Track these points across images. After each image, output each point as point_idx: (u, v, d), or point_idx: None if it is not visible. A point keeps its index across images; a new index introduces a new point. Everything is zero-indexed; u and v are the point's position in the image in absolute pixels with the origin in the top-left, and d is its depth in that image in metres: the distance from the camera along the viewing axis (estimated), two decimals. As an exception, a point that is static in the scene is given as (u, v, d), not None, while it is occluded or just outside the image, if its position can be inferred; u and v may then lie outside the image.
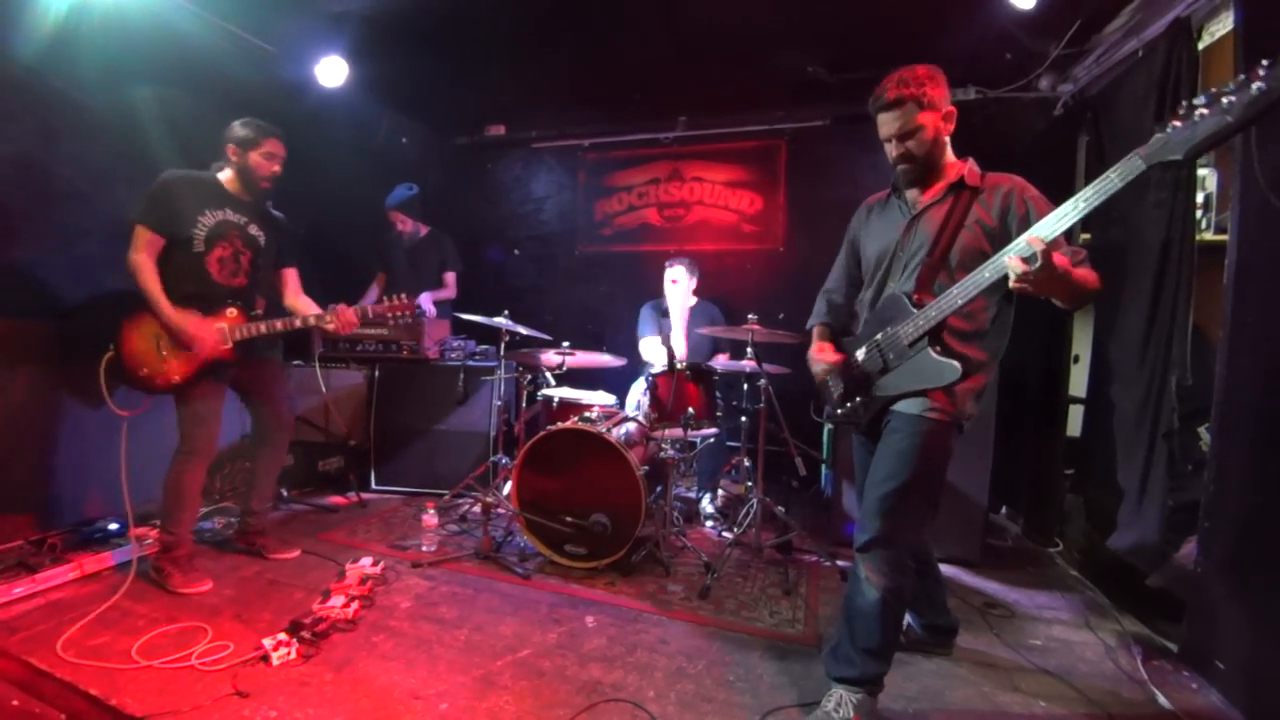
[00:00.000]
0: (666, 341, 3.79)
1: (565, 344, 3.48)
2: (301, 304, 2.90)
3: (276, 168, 2.74)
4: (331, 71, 3.86)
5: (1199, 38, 2.64)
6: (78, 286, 3.01)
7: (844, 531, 3.33)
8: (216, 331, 2.62)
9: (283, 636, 2.14)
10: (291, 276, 2.95)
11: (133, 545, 2.76)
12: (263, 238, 2.78)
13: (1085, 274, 1.68)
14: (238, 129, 2.67)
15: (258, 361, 2.80)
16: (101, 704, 1.87)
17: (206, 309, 2.62)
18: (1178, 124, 1.39)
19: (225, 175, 2.71)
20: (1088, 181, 1.53)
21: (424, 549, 3.08)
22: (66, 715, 1.72)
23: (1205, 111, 1.36)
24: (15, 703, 1.57)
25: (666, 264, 4.08)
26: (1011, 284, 1.59)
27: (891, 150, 1.92)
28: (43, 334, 2.89)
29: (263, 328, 2.69)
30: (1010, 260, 1.59)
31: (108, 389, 2.56)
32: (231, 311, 2.67)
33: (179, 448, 2.65)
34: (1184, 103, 1.40)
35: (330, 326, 2.74)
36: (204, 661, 2.06)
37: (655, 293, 4.23)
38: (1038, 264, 1.52)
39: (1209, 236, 2.82)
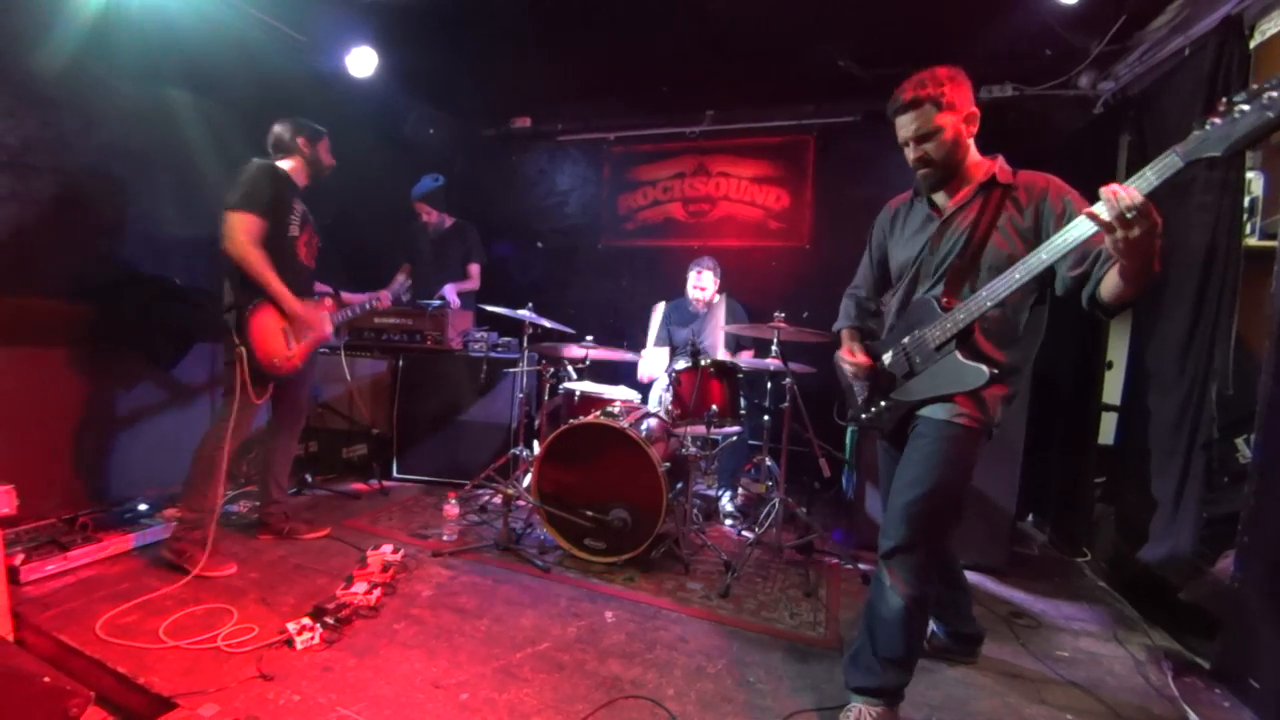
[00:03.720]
0: (686, 345, 3.78)
1: (589, 338, 3.47)
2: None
3: (333, 160, 2.97)
4: (361, 62, 3.88)
5: (1250, 36, 2.55)
6: (112, 269, 3.06)
7: (834, 538, 3.30)
8: (325, 318, 2.88)
9: (306, 621, 2.17)
10: None
11: (161, 526, 2.82)
12: (317, 228, 2.97)
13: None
14: (305, 124, 2.84)
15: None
16: (130, 682, 1.90)
17: (305, 298, 2.79)
18: (1217, 120, 1.33)
19: (290, 165, 2.81)
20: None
21: (445, 538, 3.10)
22: (96, 693, 1.75)
23: (1246, 107, 1.29)
24: (47, 679, 1.60)
25: (692, 266, 4.06)
26: (1105, 222, 1.40)
27: (910, 154, 1.86)
28: (76, 315, 2.96)
29: (350, 312, 3.03)
30: (1105, 215, 1.39)
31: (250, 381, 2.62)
32: (329, 301, 2.95)
33: (221, 426, 2.63)
34: (1224, 99, 1.34)
35: (376, 304, 3.25)
36: (229, 643, 2.09)
37: (678, 289, 4.20)
38: (1134, 216, 1.35)
39: (1253, 242, 2.73)
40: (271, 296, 2.65)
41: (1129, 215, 1.35)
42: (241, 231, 2.56)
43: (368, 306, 3.19)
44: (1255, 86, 1.29)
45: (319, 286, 3.01)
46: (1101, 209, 1.40)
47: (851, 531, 3.31)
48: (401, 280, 3.33)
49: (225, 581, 2.54)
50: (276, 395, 2.93)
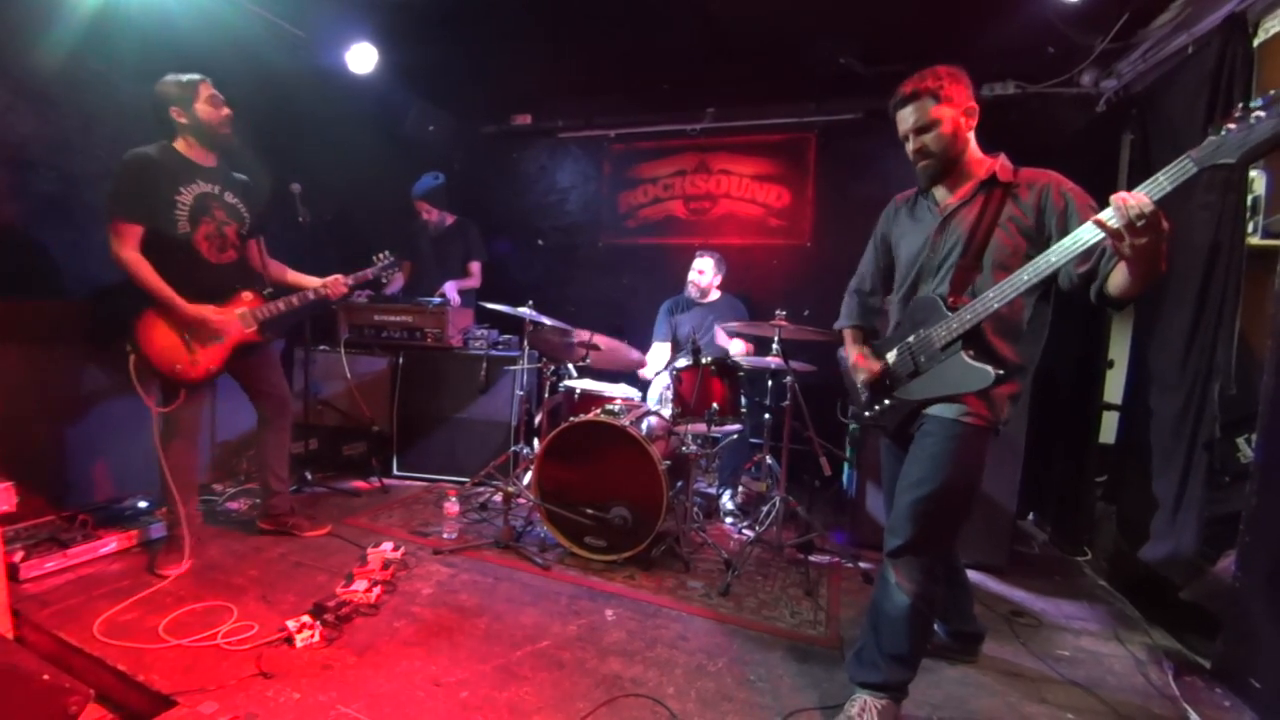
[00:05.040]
0: (687, 342, 3.77)
1: (588, 334, 3.47)
2: (274, 270, 2.84)
3: (226, 110, 2.59)
4: (361, 58, 3.87)
5: (1254, 34, 2.54)
6: (109, 268, 3.04)
7: (834, 538, 3.30)
8: (236, 316, 2.63)
9: (306, 619, 2.17)
10: (258, 246, 2.82)
11: (162, 523, 2.82)
12: (242, 206, 2.71)
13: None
14: (168, 89, 2.49)
15: (256, 345, 2.76)
16: (129, 680, 1.90)
17: (216, 297, 2.60)
18: (1232, 126, 1.33)
19: (181, 144, 2.55)
20: (1131, 181, 1.47)
21: (445, 536, 3.09)
22: (95, 690, 1.74)
23: (1262, 114, 1.30)
24: (46, 677, 1.59)
25: (696, 254, 4.10)
26: (1114, 229, 1.41)
27: (909, 146, 1.89)
28: (75, 314, 2.95)
29: (282, 305, 2.73)
30: (1114, 222, 1.40)
31: (142, 386, 2.49)
32: (247, 295, 2.68)
33: (169, 433, 2.59)
34: (1240, 105, 1.34)
35: (326, 293, 2.85)
36: (229, 641, 2.09)
37: (679, 286, 4.20)
38: (1144, 223, 1.36)
39: (1255, 241, 2.71)
40: (161, 304, 2.45)
41: (1139, 223, 1.37)
42: (113, 240, 2.40)
43: (311, 296, 2.81)
44: (1274, 93, 1.29)
45: (274, 267, 2.83)
46: (1110, 216, 1.41)
47: (852, 530, 3.31)
48: (380, 261, 3.05)
49: (225, 578, 2.54)
50: (253, 393, 2.90)
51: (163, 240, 2.48)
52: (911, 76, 1.84)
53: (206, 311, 2.54)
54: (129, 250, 2.42)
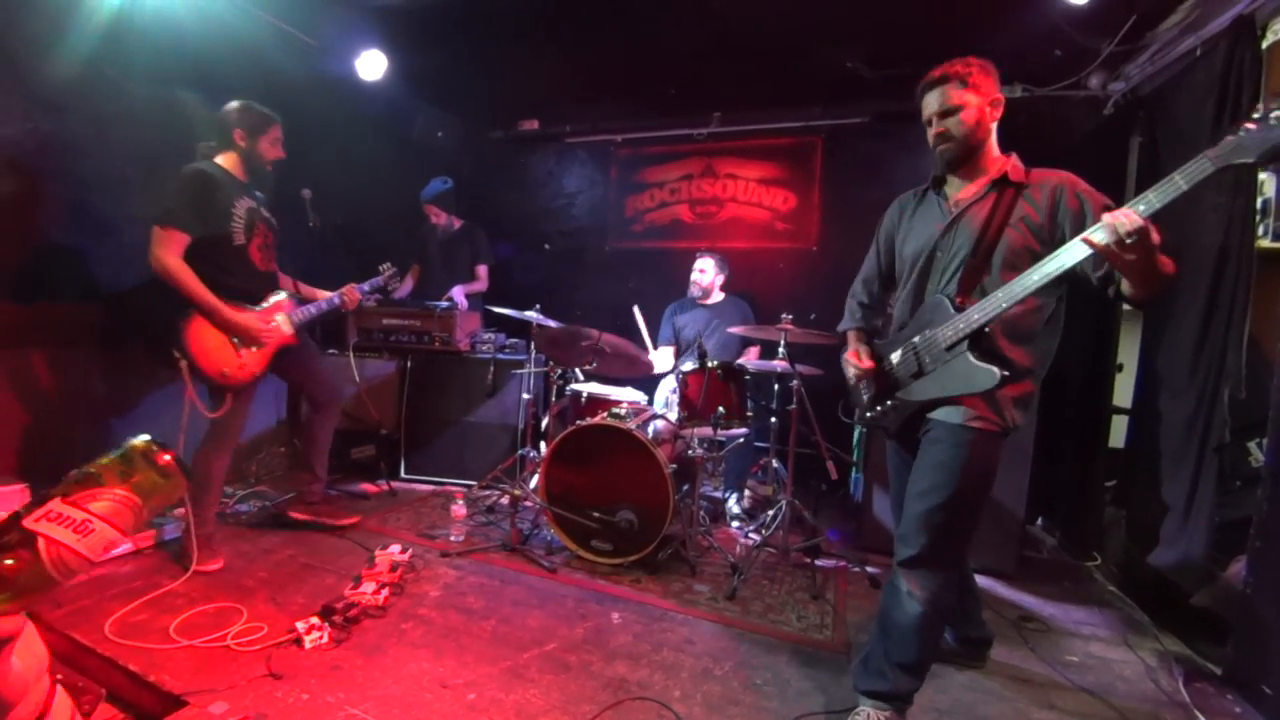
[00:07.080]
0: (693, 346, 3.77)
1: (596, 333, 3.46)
2: (286, 283, 2.99)
3: (281, 152, 2.78)
4: (371, 65, 3.90)
5: (1263, 36, 2.53)
6: (126, 271, 3.09)
7: (829, 538, 3.30)
8: (278, 322, 2.74)
9: (315, 620, 2.19)
10: None
11: (175, 524, 2.85)
12: (274, 221, 2.84)
13: (1165, 259, 1.57)
14: (245, 113, 2.65)
15: (295, 345, 2.87)
16: (140, 680, 1.91)
17: (255, 301, 2.70)
18: (1251, 127, 1.34)
19: (226, 160, 2.67)
20: (1139, 183, 1.49)
21: (452, 539, 3.11)
22: (107, 690, 1.76)
23: None
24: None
25: (698, 255, 4.13)
26: (1103, 247, 1.47)
27: (931, 131, 1.87)
28: (90, 318, 2.99)
29: (313, 310, 2.86)
30: (1101, 240, 1.46)
31: (196, 392, 2.55)
32: (285, 301, 2.81)
33: (213, 437, 2.68)
34: (1260, 107, 1.35)
35: (344, 300, 3.00)
36: (239, 642, 2.10)
37: (684, 291, 4.21)
38: (1134, 240, 1.41)
39: (1266, 243, 2.70)
40: (204, 312, 2.50)
41: (1128, 240, 1.41)
42: (160, 247, 2.44)
43: (336, 302, 2.96)
44: None
45: (282, 280, 2.93)
46: (1099, 234, 1.46)
47: (859, 534, 3.30)
48: (385, 271, 3.20)
49: (235, 580, 2.56)
50: (302, 385, 3.01)
51: (221, 249, 2.57)
52: (944, 63, 1.84)
53: (250, 319, 2.63)
54: (174, 257, 2.46)
